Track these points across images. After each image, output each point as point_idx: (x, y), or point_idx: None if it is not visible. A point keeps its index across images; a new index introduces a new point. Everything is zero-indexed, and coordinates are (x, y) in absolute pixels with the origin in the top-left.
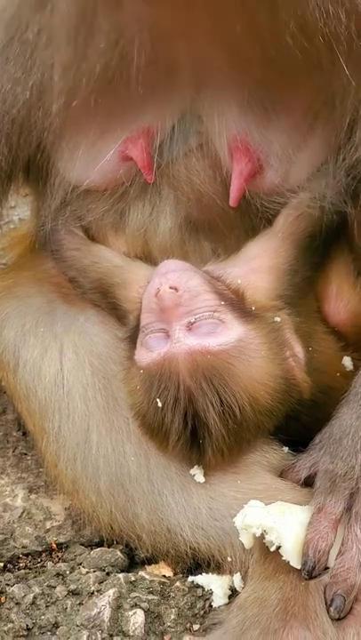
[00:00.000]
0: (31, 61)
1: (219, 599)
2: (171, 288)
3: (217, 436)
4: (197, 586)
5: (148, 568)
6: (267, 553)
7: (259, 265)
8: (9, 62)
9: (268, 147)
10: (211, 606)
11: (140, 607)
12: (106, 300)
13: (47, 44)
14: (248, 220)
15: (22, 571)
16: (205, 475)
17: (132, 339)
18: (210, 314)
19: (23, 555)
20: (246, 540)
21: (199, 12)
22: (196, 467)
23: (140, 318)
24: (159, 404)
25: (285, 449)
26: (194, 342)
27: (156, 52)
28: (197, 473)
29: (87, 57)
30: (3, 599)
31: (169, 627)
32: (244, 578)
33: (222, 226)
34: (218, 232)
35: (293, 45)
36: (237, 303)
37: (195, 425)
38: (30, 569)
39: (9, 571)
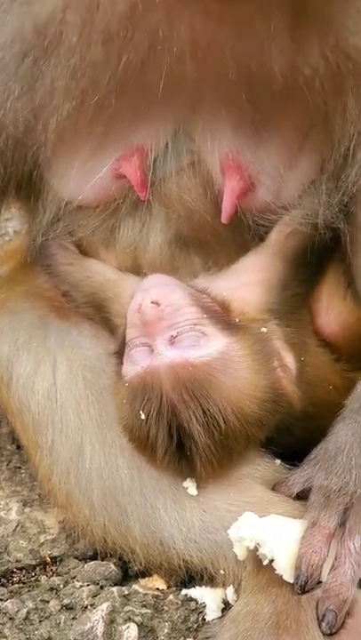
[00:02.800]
0: (33, 79)
1: (212, 612)
2: (152, 303)
3: (203, 447)
4: (191, 599)
5: (142, 581)
6: (260, 566)
7: (248, 279)
8: (11, 79)
9: (260, 165)
10: (204, 619)
11: (134, 621)
12: (99, 315)
13: (50, 62)
14: (239, 236)
15: (16, 585)
16: (198, 487)
17: (120, 353)
18: (191, 327)
19: (17, 569)
20: (240, 552)
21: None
22: (188, 479)
23: (125, 333)
24: (142, 417)
25: (278, 462)
26: (175, 355)
27: (156, 72)
28: (190, 486)
29: (90, 77)
30: None
31: None
32: (237, 591)
33: (213, 242)
34: (208, 248)
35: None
36: (221, 315)
37: (180, 437)
38: (24, 583)
39: (3, 585)
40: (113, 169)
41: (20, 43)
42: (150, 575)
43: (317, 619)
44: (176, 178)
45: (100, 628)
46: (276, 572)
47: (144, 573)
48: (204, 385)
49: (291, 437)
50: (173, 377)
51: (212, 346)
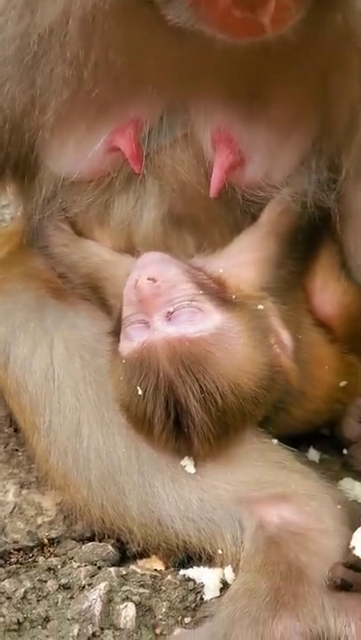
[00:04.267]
0: (31, 67)
1: (210, 592)
2: (149, 279)
3: (201, 423)
4: (189, 579)
5: (140, 562)
6: (258, 545)
7: (243, 259)
8: (9, 63)
9: (251, 140)
10: (202, 599)
11: (132, 600)
12: (95, 296)
13: (49, 55)
14: (232, 215)
15: (13, 566)
16: (196, 466)
17: (116, 332)
18: (188, 303)
19: (14, 550)
20: None
21: None
22: (186, 458)
23: (121, 311)
24: (140, 392)
25: (275, 441)
26: (172, 330)
27: (150, 53)
28: (188, 464)
29: (91, 56)
30: None
31: (160, 620)
32: (235, 570)
33: (205, 220)
34: (201, 227)
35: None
36: (218, 292)
37: (177, 413)
38: (22, 564)
39: (0, 566)
40: (107, 142)
41: (20, 39)
42: (148, 556)
43: None
44: (170, 150)
45: (97, 607)
46: None
47: (142, 555)
48: (200, 360)
49: (288, 417)
50: (170, 352)
51: (208, 321)
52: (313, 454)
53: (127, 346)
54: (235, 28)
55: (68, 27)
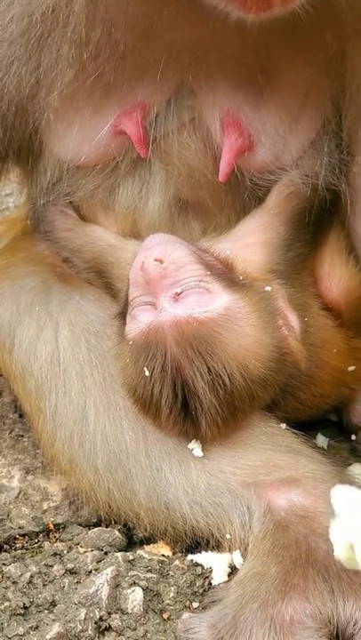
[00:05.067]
0: (37, 48)
1: (218, 577)
2: (156, 260)
3: (209, 406)
4: (197, 564)
5: (147, 547)
6: (266, 529)
7: (251, 241)
8: (16, 44)
9: (260, 123)
10: (210, 584)
11: (139, 585)
12: (101, 280)
13: (54, 37)
14: (239, 199)
15: (19, 551)
16: (203, 449)
17: (123, 315)
18: (196, 283)
19: (20, 535)
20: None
21: None
22: (193, 441)
23: (128, 293)
24: (147, 373)
25: (283, 425)
26: (180, 311)
27: (158, 31)
28: (195, 447)
29: (97, 37)
30: None
31: (168, 604)
32: (243, 555)
33: (212, 205)
34: (208, 212)
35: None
36: (225, 273)
37: (185, 395)
38: (27, 549)
39: (5, 551)
40: (114, 125)
41: (27, 19)
42: (155, 542)
43: None
44: (177, 134)
45: (104, 592)
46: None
47: (149, 540)
48: (208, 341)
49: (295, 402)
50: (178, 333)
51: (217, 302)
52: (321, 440)
53: (134, 327)
54: (247, 3)
55: (71, 4)
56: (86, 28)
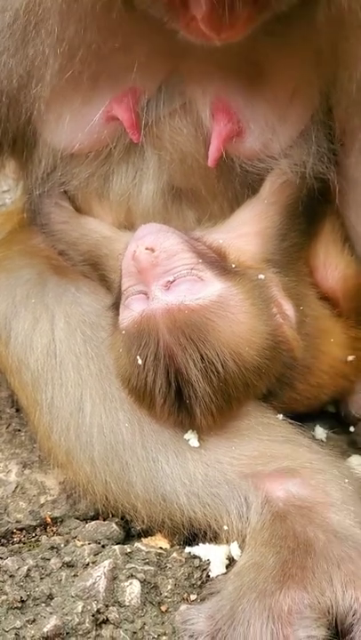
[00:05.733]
0: (24, 39)
1: (216, 568)
2: (147, 249)
3: (203, 394)
4: (194, 556)
5: (145, 540)
6: (263, 520)
7: (245, 230)
8: (4, 35)
9: (250, 111)
10: (208, 576)
11: (137, 578)
12: (96, 272)
13: (44, 17)
14: (231, 187)
15: (16, 545)
16: (200, 440)
17: (116, 305)
18: (188, 271)
19: (17, 529)
20: None
21: None
22: (189, 431)
23: (120, 283)
24: (140, 362)
25: (280, 416)
26: (171, 299)
27: (147, 19)
28: (192, 438)
29: (84, 25)
30: None
31: (166, 597)
32: (241, 546)
33: (205, 192)
34: (201, 200)
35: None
36: (218, 261)
37: (178, 384)
38: (24, 543)
39: (2, 545)
40: (105, 111)
41: (9, 12)
42: (153, 535)
43: None
44: (169, 119)
45: (102, 585)
46: None
47: (147, 533)
48: (201, 329)
49: (292, 392)
50: (170, 320)
51: (209, 290)
52: (320, 432)
53: (127, 316)
54: (198, 35)
55: (42, 2)
56: (61, 25)
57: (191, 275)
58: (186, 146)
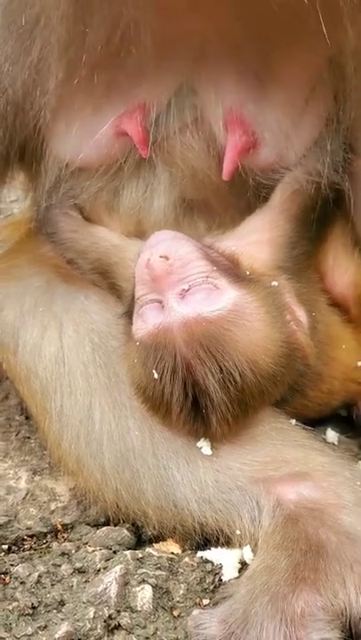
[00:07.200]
0: (30, 41)
1: (229, 573)
2: (161, 257)
3: (219, 403)
4: (206, 561)
5: (156, 546)
6: (276, 523)
7: (256, 238)
8: (7, 43)
9: (264, 121)
10: (220, 580)
11: (148, 583)
12: (106, 281)
13: (46, 23)
14: (243, 198)
15: (27, 552)
16: (212, 447)
17: (129, 314)
18: (203, 279)
19: (28, 536)
20: None
21: None
22: (202, 439)
23: (134, 291)
24: (156, 376)
25: (293, 421)
26: (188, 310)
27: (155, 29)
28: (204, 445)
29: (87, 35)
30: (7, 579)
31: (178, 602)
32: (254, 550)
33: (217, 205)
34: (212, 211)
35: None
36: (232, 269)
37: (195, 394)
38: (35, 550)
39: (13, 552)
40: (114, 126)
41: (13, 16)
42: (164, 540)
43: None
44: (179, 135)
45: (113, 590)
46: None
47: (158, 538)
48: (219, 340)
49: (303, 399)
50: (187, 334)
51: (224, 299)
52: (331, 436)
53: (141, 327)
54: None
55: (59, 4)
56: (67, 31)
57: (207, 283)
58: (197, 162)
